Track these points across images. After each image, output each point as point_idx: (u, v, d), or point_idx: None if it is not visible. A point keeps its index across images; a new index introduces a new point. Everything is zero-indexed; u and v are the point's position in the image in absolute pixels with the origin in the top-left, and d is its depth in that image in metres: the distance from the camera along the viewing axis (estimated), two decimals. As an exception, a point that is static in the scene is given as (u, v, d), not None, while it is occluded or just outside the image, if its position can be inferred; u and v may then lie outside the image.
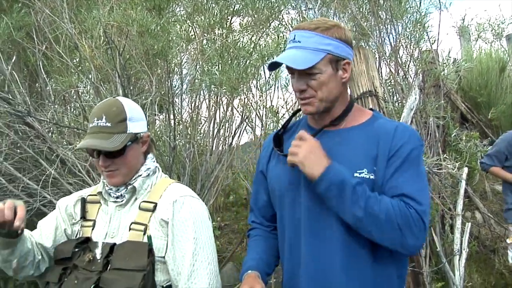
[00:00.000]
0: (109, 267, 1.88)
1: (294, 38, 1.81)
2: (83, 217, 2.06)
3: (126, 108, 1.99)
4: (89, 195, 2.11)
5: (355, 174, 1.74)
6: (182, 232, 1.92)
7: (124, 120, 1.96)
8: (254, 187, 2.12)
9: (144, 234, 1.92)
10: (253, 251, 2.00)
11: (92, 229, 2.02)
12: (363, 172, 1.75)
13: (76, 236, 2.06)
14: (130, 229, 1.94)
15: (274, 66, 1.91)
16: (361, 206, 1.67)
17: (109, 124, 1.93)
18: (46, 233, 2.08)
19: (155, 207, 1.96)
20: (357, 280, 1.76)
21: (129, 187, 2.01)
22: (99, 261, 1.90)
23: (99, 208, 2.07)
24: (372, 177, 1.75)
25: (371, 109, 1.98)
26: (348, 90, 1.99)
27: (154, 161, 2.11)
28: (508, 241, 4.65)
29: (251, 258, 1.95)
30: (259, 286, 1.76)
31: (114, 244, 1.92)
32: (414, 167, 1.77)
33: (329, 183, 1.69)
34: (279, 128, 2.03)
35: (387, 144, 1.77)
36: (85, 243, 1.98)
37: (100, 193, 2.05)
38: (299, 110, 2.04)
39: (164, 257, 1.93)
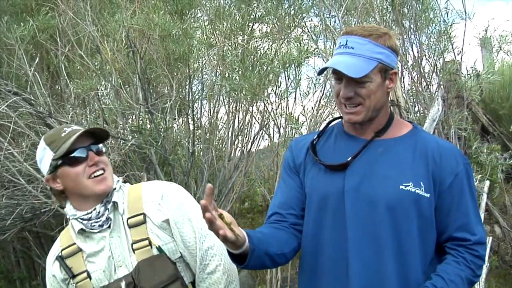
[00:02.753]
0: None
1: (346, 44, 1.77)
2: (73, 276, 1.91)
3: None
4: (62, 250, 1.95)
5: (401, 187, 1.74)
6: (181, 218, 1.90)
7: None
8: (284, 185, 1.99)
9: (151, 247, 1.87)
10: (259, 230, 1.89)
11: (90, 279, 1.90)
12: (409, 186, 1.74)
13: None
14: (133, 250, 1.87)
15: (322, 70, 1.90)
16: None
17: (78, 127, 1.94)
18: None
19: (144, 216, 1.90)
20: (411, 285, 1.75)
21: (109, 205, 1.90)
22: None
23: (83, 257, 1.92)
24: (418, 191, 1.74)
25: (409, 121, 1.95)
26: None
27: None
28: None
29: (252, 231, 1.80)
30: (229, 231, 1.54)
31: (130, 273, 1.86)
32: (467, 193, 1.81)
33: None
34: (314, 137, 1.96)
35: (437, 167, 1.78)
36: None
37: (82, 231, 1.90)
38: (334, 119, 2.02)
39: (181, 256, 1.91)
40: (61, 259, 1.93)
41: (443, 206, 1.78)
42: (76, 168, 1.84)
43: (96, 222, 1.89)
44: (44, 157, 1.89)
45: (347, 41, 1.77)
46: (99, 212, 1.88)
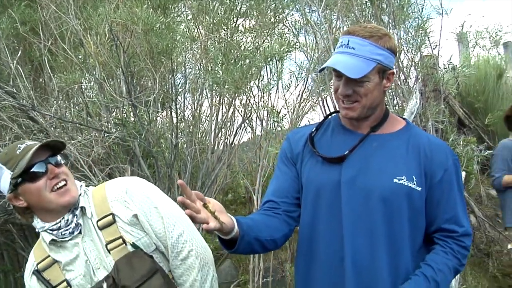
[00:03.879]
0: None
1: (348, 44, 1.80)
2: (52, 287, 1.88)
3: None
4: (38, 264, 1.90)
5: (395, 180, 1.79)
6: (148, 209, 1.89)
7: None
8: (280, 174, 2.03)
9: (126, 244, 1.85)
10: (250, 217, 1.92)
11: (70, 287, 1.87)
12: (402, 179, 1.79)
13: None
14: (109, 250, 1.85)
15: (323, 68, 1.92)
16: None
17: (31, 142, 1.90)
18: None
19: (113, 216, 1.88)
20: (401, 275, 1.81)
21: (77, 212, 1.87)
22: None
23: (60, 267, 1.89)
24: (410, 185, 1.80)
25: (402, 118, 2.01)
26: None
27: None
28: (510, 246, 4.65)
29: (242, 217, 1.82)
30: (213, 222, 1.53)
31: (110, 274, 1.84)
32: (456, 187, 1.88)
33: None
34: (312, 129, 2.01)
35: (428, 162, 1.84)
36: None
37: (53, 241, 1.87)
38: (331, 113, 2.07)
39: (156, 248, 1.90)
40: (38, 272, 1.89)
41: (433, 199, 1.84)
42: (37, 183, 1.80)
43: (66, 230, 1.86)
44: (2, 176, 1.83)
45: (348, 41, 1.80)
46: (67, 220, 1.85)
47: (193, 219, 1.48)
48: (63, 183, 1.82)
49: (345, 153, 1.85)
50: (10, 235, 5.20)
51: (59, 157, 1.88)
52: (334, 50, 1.93)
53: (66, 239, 1.86)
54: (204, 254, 1.93)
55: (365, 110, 1.84)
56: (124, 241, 1.84)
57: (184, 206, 1.46)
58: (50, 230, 1.85)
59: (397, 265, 1.80)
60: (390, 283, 1.78)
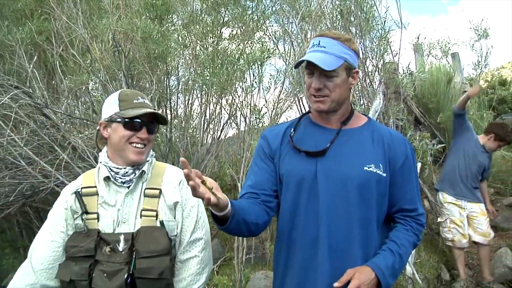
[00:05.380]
0: (134, 256, 1.82)
1: (319, 44, 1.84)
2: (86, 212, 1.90)
3: None
4: (83, 188, 1.95)
5: (365, 168, 1.83)
6: (189, 210, 1.95)
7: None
8: (257, 169, 2.00)
9: (156, 219, 1.89)
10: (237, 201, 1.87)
11: (98, 221, 1.90)
12: (371, 167, 1.83)
13: (79, 229, 1.91)
14: (141, 215, 1.89)
15: (300, 63, 1.90)
16: (404, 262, 1.86)
17: (149, 103, 1.98)
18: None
19: (160, 192, 1.93)
20: (371, 251, 1.84)
21: (137, 172, 1.93)
22: (122, 252, 1.83)
23: (97, 200, 1.92)
24: (378, 171, 1.84)
25: (364, 114, 2.05)
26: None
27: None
28: (439, 219, 4.85)
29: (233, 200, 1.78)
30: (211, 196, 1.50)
31: (133, 233, 1.86)
32: (413, 173, 1.94)
33: (386, 279, 1.78)
34: (285, 127, 2.02)
35: (391, 151, 1.89)
36: (98, 237, 1.87)
37: (107, 178, 1.92)
38: (304, 114, 2.08)
39: (176, 235, 1.94)
40: (79, 194, 1.92)
41: (396, 183, 1.88)
42: (125, 132, 1.89)
43: (121, 178, 1.91)
44: (110, 106, 1.94)
45: (319, 41, 1.84)
46: (126, 172, 1.92)
47: (194, 190, 1.45)
48: (141, 146, 1.92)
49: (327, 145, 1.86)
50: (27, 216, 5.28)
51: (156, 126, 1.99)
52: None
53: (117, 183, 1.92)
54: (207, 263, 1.98)
55: (334, 104, 1.86)
56: (156, 216, 1.88)
57: (188, 179, 1.43)
58: (110, 168, 1.92)
59: (368, 244, 1.83)
60: (362, 260, 1.80)
